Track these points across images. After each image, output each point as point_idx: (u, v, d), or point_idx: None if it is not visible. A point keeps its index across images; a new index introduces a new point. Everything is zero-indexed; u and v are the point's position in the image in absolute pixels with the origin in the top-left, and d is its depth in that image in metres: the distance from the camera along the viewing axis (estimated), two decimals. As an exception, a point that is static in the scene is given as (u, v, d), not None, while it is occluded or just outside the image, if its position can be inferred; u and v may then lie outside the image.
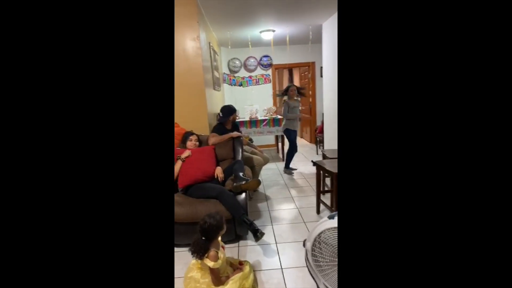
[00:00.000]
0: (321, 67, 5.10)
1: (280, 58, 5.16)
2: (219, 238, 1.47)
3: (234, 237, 1.95)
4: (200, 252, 1.35)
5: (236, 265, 1.56)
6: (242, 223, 1.85)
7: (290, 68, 6.77)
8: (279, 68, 5.62)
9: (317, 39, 4.45)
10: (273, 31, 3.99)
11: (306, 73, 5.58)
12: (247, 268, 1.50)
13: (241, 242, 1.97)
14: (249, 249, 1.88)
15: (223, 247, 1.50)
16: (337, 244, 1.25)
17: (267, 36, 4.11)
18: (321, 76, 5.11)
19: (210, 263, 1.34)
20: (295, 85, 3.63)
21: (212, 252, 1.36)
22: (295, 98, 3.59)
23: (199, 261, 1.39)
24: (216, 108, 3.42)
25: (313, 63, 5.27)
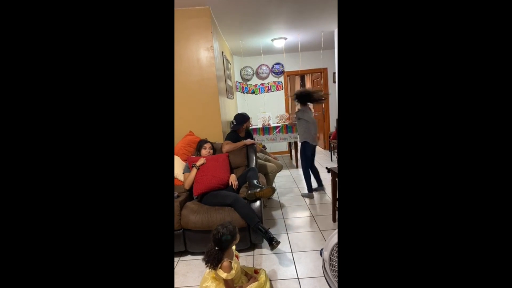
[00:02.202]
0: (334, 73, 5.08)
1: (292, 65, 5.18)
2: (233, 247, 1.46)
3: (249, 245, 1.93)
4: (213, 262, 1.35)
5: (251, 274, 1.53)
6: (257, 231, 1.84)
7: (302, 75, 6.77)
8: (291, 75, 5.63)
9: (329, 45, 4.45)
10: (285, 38, 4.02)
11: (318, 79, 5.56)
12: (262, 278, 1.48)
13: (256, 251, 1.95)
14: (264, 258, 1.86)
15: (237, 256, 1.48)
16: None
17: (279, 44, 4.14)
18: (334, 82, 5.08)
19: (223, 274, 1.33)
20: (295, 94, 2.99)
21: (225, 263, 1.35)
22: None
23: (213, 271, 1.38)
24: (229, 116, 3.46)
25: (325, 69, 5.25)
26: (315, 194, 3.02)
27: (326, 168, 2.27)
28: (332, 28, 3.74)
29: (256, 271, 1.56)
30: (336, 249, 1.30)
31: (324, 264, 1.39)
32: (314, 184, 3.06)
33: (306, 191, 3.02)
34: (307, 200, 2.88)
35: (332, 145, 4.65)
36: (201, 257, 1.81)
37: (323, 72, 5.28)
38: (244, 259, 1.83)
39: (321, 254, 1.41)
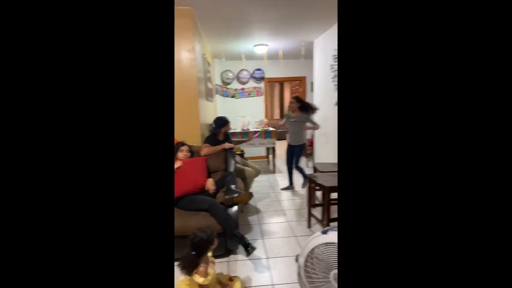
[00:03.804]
0: (311, 82, 5.23)
1: (272, 71, 5.25)
2: (209, 253, 1.44)
3: (225, 251, 1.90)
4: (189, 267, 1.31)
5: (225, 283, 1.51)
6: (233, 237, 1.82)
7: (282, 82, 6.90)
8: (271, 82, 5.71)
9: (308, 55, 4.58)
10: (266, 45, 4.08)
11: (297, 87, 5.70)
12: (237, 285, 1.46)
13: (232, 257, 1.92)
14: (239, 264, 1.84)
15: (213, 262, 1.45)
16: (330, 259, 1.24)
17: (261, 50, 4.19)
18: (311, 91, 5.23)
19: (199, 279, 1.30)
20: (296, 98, 3.24)
21: (201, 268, 1.32)
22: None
23: (188, 277, 1.34)
24: (208, 119, 3.41)
25: (304, 77, 5.39)
26: (293, 195, 3.16)
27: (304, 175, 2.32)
28: (312, 38, 3.86)
29: (231, 279, 1.53)
30: (311, 255, 1.32)
31: (299, 270, 1.40)
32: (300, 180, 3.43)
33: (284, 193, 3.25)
34: (282, 205, 2.91)
35: (307, 152, 4.75)
36: (175, 263, 1.75)
37: (302, 80, 5.42)
38: (219, 265, 1.80)
39: (296, 260, 1.43)
